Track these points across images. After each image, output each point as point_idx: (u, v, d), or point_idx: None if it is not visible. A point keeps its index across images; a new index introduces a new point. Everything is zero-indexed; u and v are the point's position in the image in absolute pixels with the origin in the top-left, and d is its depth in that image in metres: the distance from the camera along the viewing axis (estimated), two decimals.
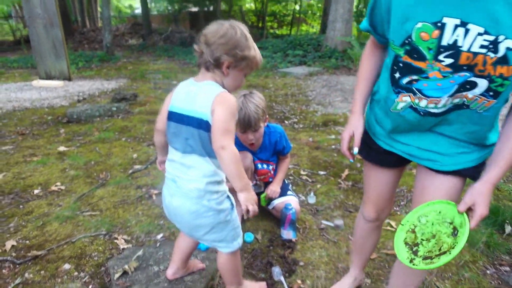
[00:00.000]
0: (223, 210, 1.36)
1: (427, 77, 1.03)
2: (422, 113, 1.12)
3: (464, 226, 1.04)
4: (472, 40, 0.91)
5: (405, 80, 1.09)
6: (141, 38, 16.02)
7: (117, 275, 1.74)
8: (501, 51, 0.90)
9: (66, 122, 4.44)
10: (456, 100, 1.05)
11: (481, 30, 0.90)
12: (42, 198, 2.58)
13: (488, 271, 1.89)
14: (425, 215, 1.15)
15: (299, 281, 1.80)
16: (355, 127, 1.32)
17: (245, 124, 1.96)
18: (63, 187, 2.73)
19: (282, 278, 1.79)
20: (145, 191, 2.69)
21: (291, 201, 2.19)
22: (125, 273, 1.76)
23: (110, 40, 11.16)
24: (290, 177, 2.96)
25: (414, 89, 1.08)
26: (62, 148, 3.51)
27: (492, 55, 0.91)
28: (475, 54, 0.92)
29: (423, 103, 1.08)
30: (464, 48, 0.93)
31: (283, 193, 2.25)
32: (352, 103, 1.37)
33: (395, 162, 1.36)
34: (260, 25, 18.01)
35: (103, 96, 5.95)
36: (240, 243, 1.48)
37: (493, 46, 0.90)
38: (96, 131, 4.11)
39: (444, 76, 1.00)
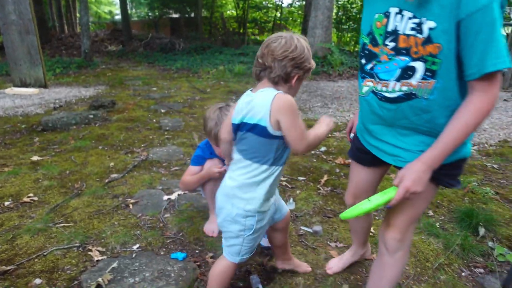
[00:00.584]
0: (240, 223, 1.38)
1: (379, 61, 1.21)
2: (379, 97, 1.24)
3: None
4: (405, 24, 1.10)
5: (368, 66, 1.26)
6: (121, 44, 15.83)
7: None
8: (425, 32, 1.06)
9: (41, 131, 4.32)
10: (405, 88, 1.16)
11: (410, 14, 1.08)
12: (13, 210, 2.48)
13: (463, 274, 1.92)
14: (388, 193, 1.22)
15: None
16: (354, 119, 1.63)
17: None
18: (35, 198, 2.64)
19: (260, 286, 1.77)
20: (121, 201, 2.62)
21: None
22: (98, 286, 1.71)
23: (88, 46, 10.97)
24: None
25: (374, 74, 1.24)
26: (35, 158, 3.40)
27: (420, 36, 1.07)
28: (408, 36, 1.10)
29: (379, 86, 1.23)
30: (401, 32, 1.12)
31: None
32: None
33: (371, 161, 1.47)
34: (241, 31, 18.10)
35: (80, 104, 5.83)
36: (238, 261, 1.48)
37: (419, 27, 1.07)
38: (72, 139, 4.01)
39: (390, 59, 1.17)
